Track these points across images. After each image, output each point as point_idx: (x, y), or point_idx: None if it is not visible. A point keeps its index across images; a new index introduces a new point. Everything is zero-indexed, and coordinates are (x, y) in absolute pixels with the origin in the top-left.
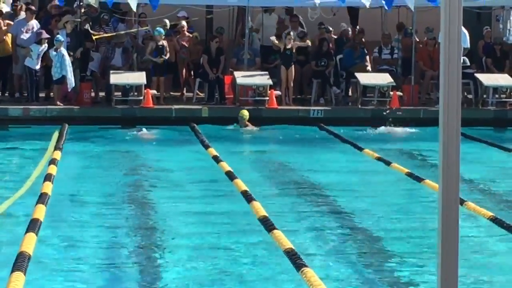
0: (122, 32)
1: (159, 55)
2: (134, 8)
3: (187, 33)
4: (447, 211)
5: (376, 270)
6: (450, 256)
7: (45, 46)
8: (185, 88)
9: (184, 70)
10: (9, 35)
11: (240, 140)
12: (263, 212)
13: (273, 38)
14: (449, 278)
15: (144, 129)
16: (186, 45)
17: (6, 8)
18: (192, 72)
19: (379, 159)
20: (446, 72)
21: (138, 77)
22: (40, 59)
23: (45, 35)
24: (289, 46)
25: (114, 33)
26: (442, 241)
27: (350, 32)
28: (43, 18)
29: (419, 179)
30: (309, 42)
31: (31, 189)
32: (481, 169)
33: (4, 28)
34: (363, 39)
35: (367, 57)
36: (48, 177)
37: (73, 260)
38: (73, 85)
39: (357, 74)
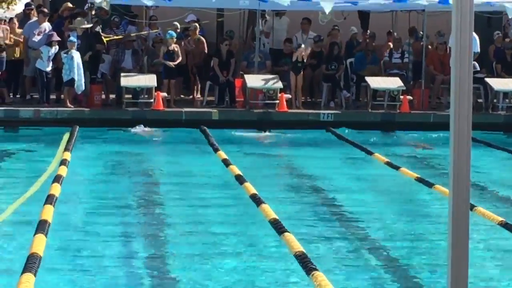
0: (132, 34)
1: (169, 58)
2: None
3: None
4: (457, 216)
5: (386, 274)
6: (460, 262)
7: (55, 48)
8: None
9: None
10: (23, 37)
11: (250, 144)
12: (273, 215)
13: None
14: (459, 283)
15: (141, 126)
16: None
17: (18, 10)
18: (196, 75)
19: (388, 163)
20: (457, 77)
21: (149, 80)
22: (51, 61)
23: (55, 37)
24: (300, 59)
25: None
26: (453, 246)
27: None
28: (56, 21)
29: (429, 184)
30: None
31: (41, 190)
32: (491, 174)
33: (17, 31)
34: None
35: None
36: (57, 179)
37: (82, 261)
38: (82, 88)
39: (367, 78)
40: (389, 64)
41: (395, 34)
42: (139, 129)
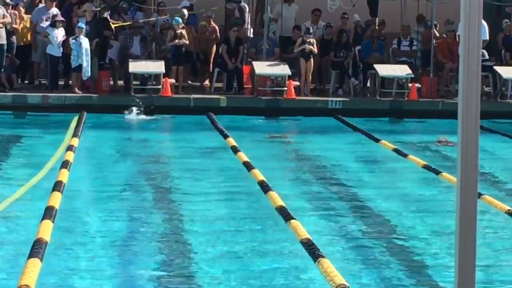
0: (141, 21)
1: (176, 47)
2: None
3: (212, 24)
4: (465, 205)
5: (393, 261)
6: (467, 250)
7: (61, 30)
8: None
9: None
10: (30, 22)
11: (258, 130)
12: (280, 202)
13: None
14: (466, 271)
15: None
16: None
17: None
18: (202, 62)
19: (395, 151)
20: (466, 65)
21: (157, 66)
22: (60, 46)
23: (59, 17)
24: (308, 40)
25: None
26: (460, 235)
27: (362, 24)
28: (64, 7)
29: (436, 172)
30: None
31: (48, 176)
32: (498, 162)
33: (24, 17)
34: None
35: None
36: (65, 164)
37: (89, 246)
38: (89, 74)
39: (376, 66)
40: (397, 52)
41: (404, 21)
42: (133, 115)
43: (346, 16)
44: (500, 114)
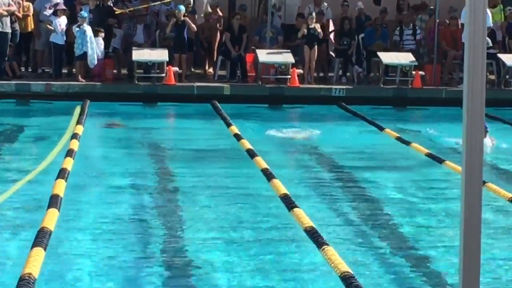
0: (146, 6)
1: (179, 32)
2: None
3: (218, 11)
4: (469, 194)
5: (397, 249)
6: (472, 239)
7: (63, 18)
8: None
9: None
10: (32, 10)
11: (262, 119)
12: (283, 190)
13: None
14: (471, 260)
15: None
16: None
17: None
18: (206, 50)
19: (399, 139)
20: (471, 53)
21: (160, 54)
22: (64, 34)
23: (61, 6)
24: (312, 26)
25: (136, 8)
26: (465, 222)
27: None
28: None
29: (439, 160)
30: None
31: (51, 164)
32: (502, 150)
33: (25, 4)
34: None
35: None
36: (69, 153)
37: (94, 235)
38: (95, 63)
39: (380, 54)
40: (398, 44)
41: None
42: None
43: (346, 3)
44: (505, 101)
